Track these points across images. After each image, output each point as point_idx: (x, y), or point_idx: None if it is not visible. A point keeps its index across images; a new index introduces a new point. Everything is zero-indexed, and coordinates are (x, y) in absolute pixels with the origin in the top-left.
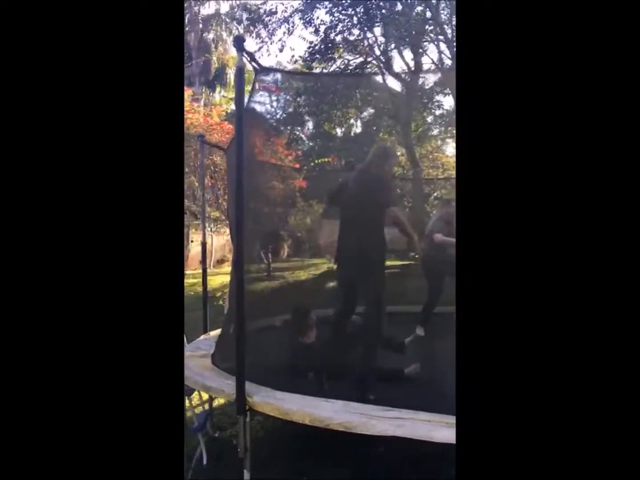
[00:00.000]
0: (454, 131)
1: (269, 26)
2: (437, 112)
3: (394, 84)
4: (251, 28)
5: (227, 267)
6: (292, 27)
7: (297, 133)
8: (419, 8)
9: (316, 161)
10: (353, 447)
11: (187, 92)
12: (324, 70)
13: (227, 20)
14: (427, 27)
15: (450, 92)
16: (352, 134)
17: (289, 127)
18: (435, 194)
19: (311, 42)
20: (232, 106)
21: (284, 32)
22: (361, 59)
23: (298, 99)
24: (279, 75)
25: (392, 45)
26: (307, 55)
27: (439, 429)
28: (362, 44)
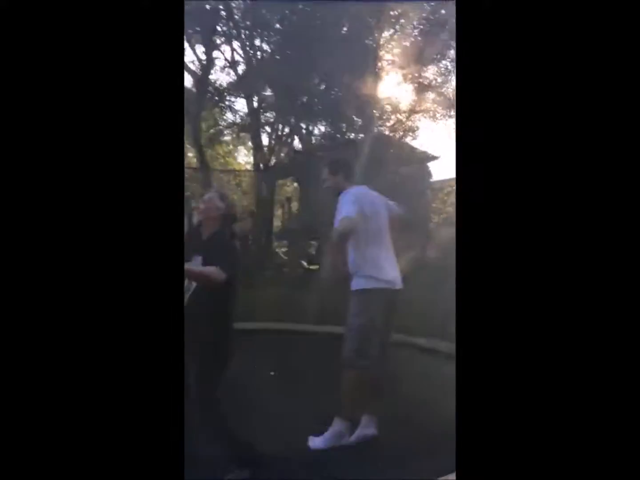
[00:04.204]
0: (248, 138)
1: None
2: (230, 116)
3: (184, 76)
4: None
5: None
6: None
7: None
8: (211, 4)
9: None
10: None
11: None
12: None
13: None
14: (220, 23)
15: (243, 95)
16: None
17: None
18: None
19: None
20: None
21: None
22: None
23: None
24: None
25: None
26: None
27: None
28: None
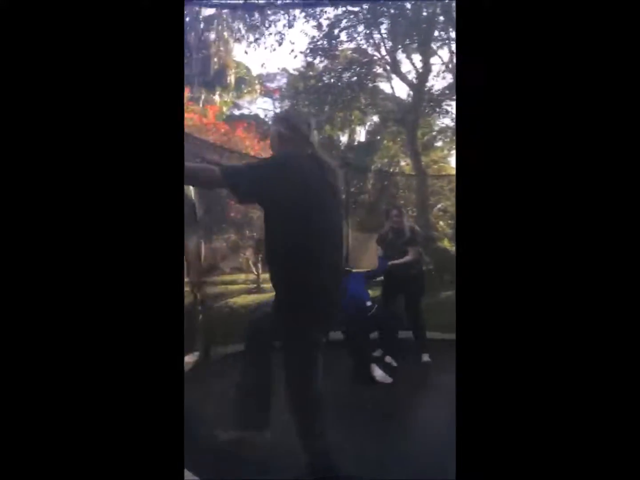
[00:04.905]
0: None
1: (268, 18)
2: (445, 120)
3: (400, 86)
4: (247, 18)
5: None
6: (293, 19)
7: None
8: (429, 10)
9: None
10: None
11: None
12: (328, 66)
13: (229, 20)
14: (437, 27)
15: None
16: (355, 142)
17: None
18: (439, 206)
19: (313, 37)
20: (232, 108)
21: (284, 25)
22: (366, 59)
23: (298, 99)
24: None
25: (399, 45)
26: (308, 50)
27: None
28: (368, 41)
